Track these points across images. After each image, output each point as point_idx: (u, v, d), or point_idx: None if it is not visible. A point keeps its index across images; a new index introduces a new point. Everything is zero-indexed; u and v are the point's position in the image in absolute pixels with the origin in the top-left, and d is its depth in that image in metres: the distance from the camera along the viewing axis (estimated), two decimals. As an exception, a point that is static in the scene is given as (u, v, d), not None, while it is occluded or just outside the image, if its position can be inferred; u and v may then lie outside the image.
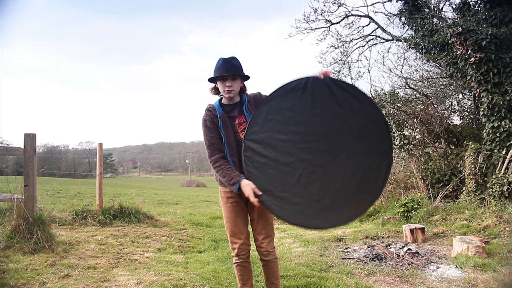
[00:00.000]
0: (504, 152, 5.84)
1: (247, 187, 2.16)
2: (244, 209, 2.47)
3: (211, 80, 2.44)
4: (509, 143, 5.87)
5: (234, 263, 2.48)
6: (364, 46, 9.29)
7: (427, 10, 7.96)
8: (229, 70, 2.34)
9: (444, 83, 8.81)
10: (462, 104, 8.83)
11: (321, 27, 9.21)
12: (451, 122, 7.92)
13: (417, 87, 8.73)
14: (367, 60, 13.63)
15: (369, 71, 9.37)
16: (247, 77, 2.46)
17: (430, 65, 8.90)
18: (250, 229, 2.52)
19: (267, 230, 2.45)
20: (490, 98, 6.05)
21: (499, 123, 5.99)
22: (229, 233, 2.45)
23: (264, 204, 2.18)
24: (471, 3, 7.53)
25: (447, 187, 6.50)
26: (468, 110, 8.28)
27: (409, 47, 8.20)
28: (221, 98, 2.47)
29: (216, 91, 2.47)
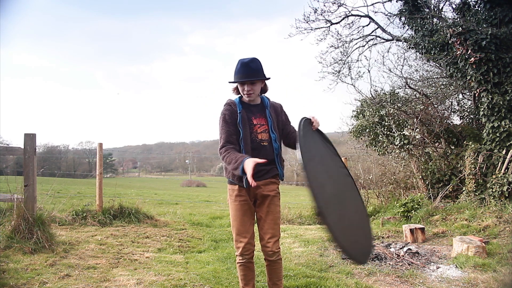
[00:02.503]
0: (504, 152, 5.84)
1: (248, 165, 2.05)
2: (251, 208, 2.46)
3: (231, 82, 2.45)
4: (509, 143, 5.87)
5: (238, 262, 2.47)
6: (364, 46, 9.27)
7: (427, 10, 7.96)
8: (247, 75, 2.34)
9: (444, 83, 8.80)
10: (462, 104, 8.83)
11: (321, 27, 9.20)
12: (451, 122, 7.92)
13: (417, 87, 8.72)
14: (367, 60, 13.50)
15: (369, 71, 9.33)
16: (267, 78, 2.47)
17: (430, 65, 8.89)
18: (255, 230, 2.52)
19: (274, 230, 2.45)
20: (490, 98, 6.05)
21: (499, 123, 5.99)
22: (235, 231, 2.44)
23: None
24: (471, 3, 7.53)
25: (447, 187, 6.50)
26: (468, 110, 8.28)
27: (409, 47, 8.20)
28: (241, 96, 2.48)
29: (237, 91, 2.48)
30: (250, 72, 2.35)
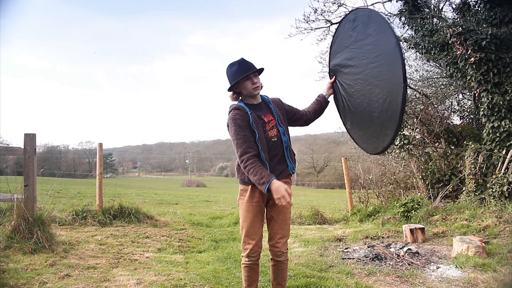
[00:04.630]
0: (504, 152, 5.84)
1: (280, 187, 2.10)
2: (262, 210, 2.46)
3: (231, 86, 2.41)
4: (509, 143, 5.87)
5: (243, 263, 2.46)
6: (364, 46, 9.27)
7: (427, 10, 7.96)
8: (251, 68, 2.36)
9: (444, 83, 8.81)
10: (462, 104, 8.84)
11: (321, 27, 9.20)
12: (451, 122, 7.92)
13: (417, 87, 8.73)
14: (367, 60, 13.54)
15: (369, 71, 9.33)
16: (261, 72, 2.47)
17: (430, 65, 8.90)
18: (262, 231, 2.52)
19: (284, 230, 2.45)
20: (490, 98, 6.05)
21: (499, 123, 5.99)
22: (244, 232, 2.43)
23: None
24: (471, 3, 7.53)
25: (447, 187, 6.50)
26: (468, 110, 8.28)
27: (409, 47, 8.20)
28: (241, 99, 2.47)
29: (236, 96, 2.46)
30: (251, 65, 2.38)
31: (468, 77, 6.31)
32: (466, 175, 6.11)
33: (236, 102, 2.45)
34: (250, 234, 2.40)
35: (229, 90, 2.44)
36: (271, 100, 2.54)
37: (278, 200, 2.09)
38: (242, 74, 2.34)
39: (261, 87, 2.48)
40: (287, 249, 2.50)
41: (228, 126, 2.38)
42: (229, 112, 2.40)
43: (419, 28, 7.81)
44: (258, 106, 2.45)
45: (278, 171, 2.40)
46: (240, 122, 2.32)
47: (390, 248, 4.32)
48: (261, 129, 2.36)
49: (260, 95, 2.51)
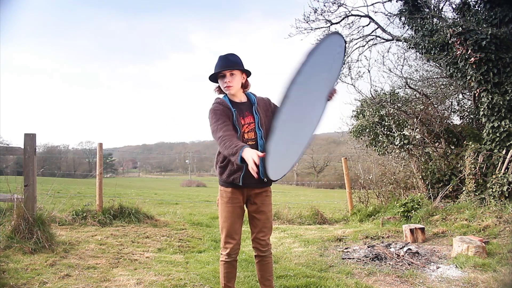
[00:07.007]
0: (504, 152, 5.84)
1: (249, 157, 1.96)
2: (243, 210, 2.49)
3: (212, 80, 2.46)
4: (509, 143, 5.87)
5: (222, 260, 2.49)
6: (364, 46, 9.27)
7: (427, 10, 7.96)
8: (226, 65, 2.35)
9: (444, 83, 8.81)
10: (462, 104, 8.84)
11: (321, 27, 9.19)
12: (451, 122, 7.92)
13: (417, 87, 8.73)
14: (367, 60, 13.47)
15: (369, 71, 9.32)
16: (248, 73, 2.46)
17: (430, 65, 8.90)
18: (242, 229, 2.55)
19: (267, 228, 2.50)
20: (490, 98, 6.05)
21: (499, 123, 5.99)
22: (224, 233, 2.45)
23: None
24: (471, 3, 7.53)
25: (447, 187, 6.50)
26: (468, 110, 8.28)
27: (409, 47, 8.20)
28: (225, 95, 2.47)
29: (220, 90, 2.48)
30: (228, 63, 2.36)
31: (468, 77, 6.32)
32: (466, 175, 6.11)
33: (221, 96, 2.46)
34: (230, 234, 2.43)
35: (210, 80, 2.46)
36: (257, 100, 2.48)
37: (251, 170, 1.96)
38: (217, 70, 2.37)
39: (247, 87, 2.47)
40: (271, 244, 2.53)
41: (209, 117, 2.36)
42: (212, 104, 2.41)
43: (419, 28, 7.81)
44: (240, 105, 2.42)
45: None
46: (220, 113, 2.32)
47: (390, 248, 4.33)
48: (240, 129, 2.36)
49: (248, 93, 2.49)
